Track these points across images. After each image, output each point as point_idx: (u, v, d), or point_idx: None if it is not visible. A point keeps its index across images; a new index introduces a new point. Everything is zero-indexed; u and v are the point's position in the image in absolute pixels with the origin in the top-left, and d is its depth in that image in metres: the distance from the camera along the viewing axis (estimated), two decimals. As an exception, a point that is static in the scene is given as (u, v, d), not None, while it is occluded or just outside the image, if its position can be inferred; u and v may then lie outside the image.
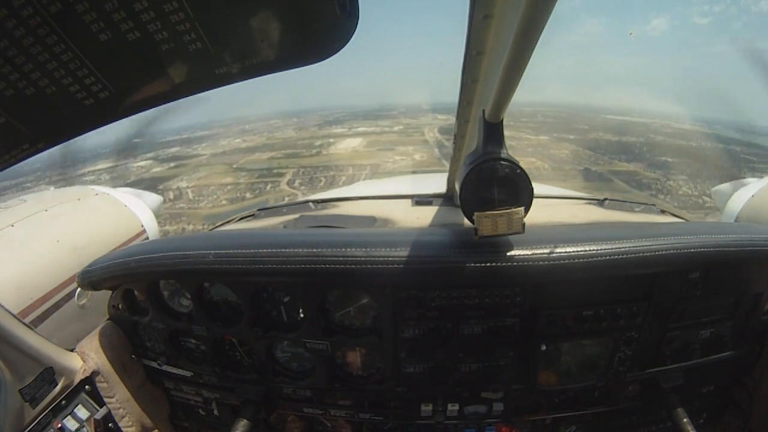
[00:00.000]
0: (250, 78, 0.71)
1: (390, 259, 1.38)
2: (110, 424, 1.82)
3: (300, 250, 1.43)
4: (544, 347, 1.53)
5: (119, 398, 1.83)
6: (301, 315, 1.60)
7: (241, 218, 2.83)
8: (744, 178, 3.51)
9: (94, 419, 1.76)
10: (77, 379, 1.76)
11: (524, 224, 1.19)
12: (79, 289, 2.48)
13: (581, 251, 1.37)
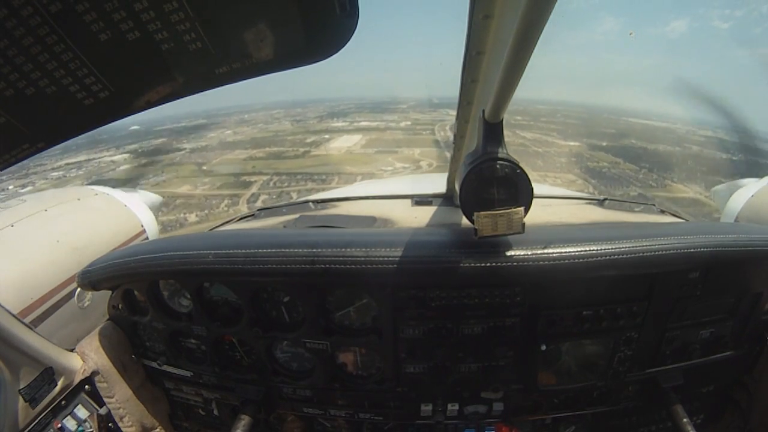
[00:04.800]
0: (251, 77, 0.71)
1: (390, 259, 1.38)
2: (110, 424, 1.82)
3: (300, 250, 1.43)
4: (544, 347, 1.53)
5: (119, 398, 1.83)
6: (301, 315, 1.60)
7: (241, 218, 2.83)
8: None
9: (95, 417, 1.76)
10: (77, 379, 1.76)
11: (524, 224, 1.19)
12: (79, 289, 2.47)
13: (581, 251, 1.38)
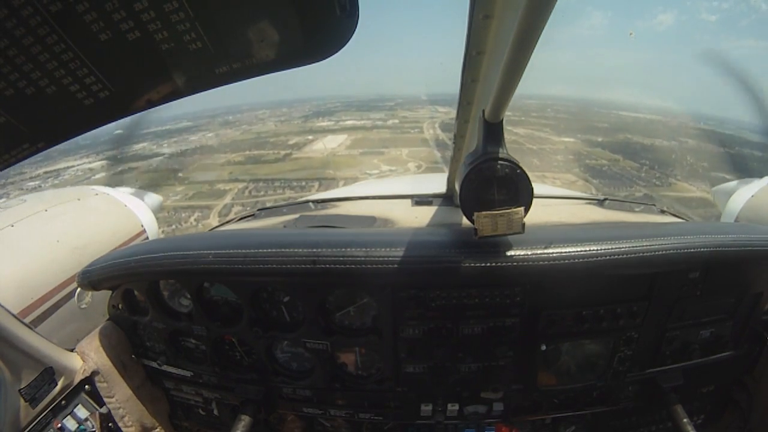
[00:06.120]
0: (251, 77, 0.71)
1: (390, 259, 1.38)
2: (110, 424, 1.82)
3: (300, 250, 1.43)
4: (544, 347, 1.53)
5: (119, 398, 1.83)
6: (301, 315, 1.60)
7: (241, 218, 2.83)
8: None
9: (95, 417, 1.76)
10: (77, 379, 1.76)
11: (524, 224, 1.19)
12: (79, 289, 2.48)
13: (581, 251, 1.37)
